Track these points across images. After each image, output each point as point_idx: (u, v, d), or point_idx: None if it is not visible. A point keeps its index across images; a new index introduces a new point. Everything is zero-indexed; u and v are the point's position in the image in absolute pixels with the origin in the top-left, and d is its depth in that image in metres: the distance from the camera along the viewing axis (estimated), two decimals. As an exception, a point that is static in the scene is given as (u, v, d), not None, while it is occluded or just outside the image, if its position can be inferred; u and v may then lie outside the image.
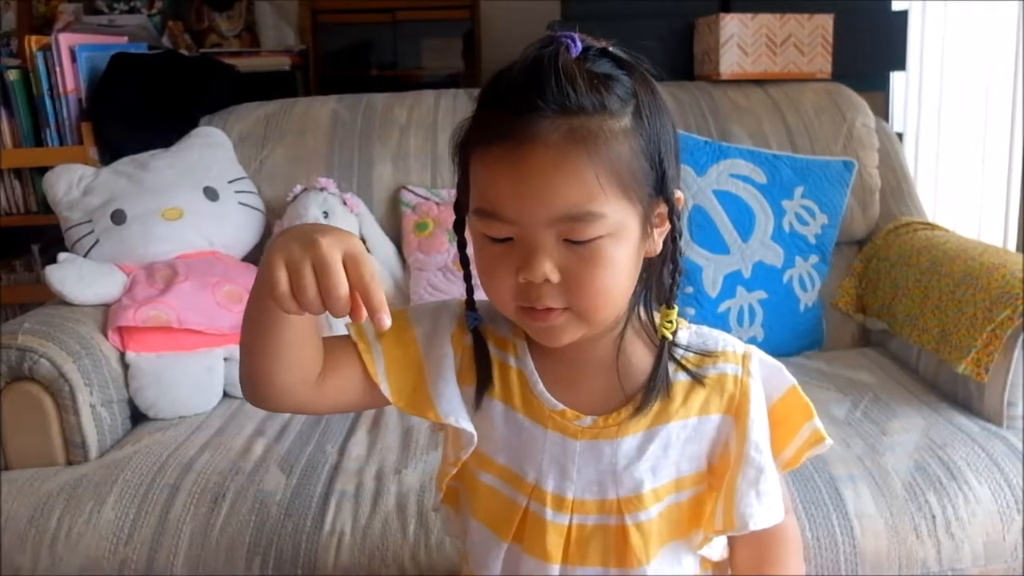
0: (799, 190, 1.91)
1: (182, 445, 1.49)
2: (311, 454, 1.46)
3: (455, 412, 0.88)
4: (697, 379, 0.87)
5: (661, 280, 0.87)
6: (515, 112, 0.76)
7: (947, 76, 2.51)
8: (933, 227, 1.96)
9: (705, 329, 0.91)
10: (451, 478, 0.93)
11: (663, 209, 0.82)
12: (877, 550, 1.27)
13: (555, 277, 0.78)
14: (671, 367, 0.87)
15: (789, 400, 0.91)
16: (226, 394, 1.70)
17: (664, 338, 0.86)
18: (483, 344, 0.90)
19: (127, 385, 1.60)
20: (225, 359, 1.68)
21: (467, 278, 0.91)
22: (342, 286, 0.71)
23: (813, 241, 1.90)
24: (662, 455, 0.87)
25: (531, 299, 0.79)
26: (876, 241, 1.98)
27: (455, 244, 0.92)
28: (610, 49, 0.80)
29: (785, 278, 1.88)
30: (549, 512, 0.87)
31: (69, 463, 1.48)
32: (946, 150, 2.54)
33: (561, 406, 0.87)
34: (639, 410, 0.86)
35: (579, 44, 0.78)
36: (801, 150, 2.00)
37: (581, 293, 0.79)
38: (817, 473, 1.35)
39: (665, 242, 0.85)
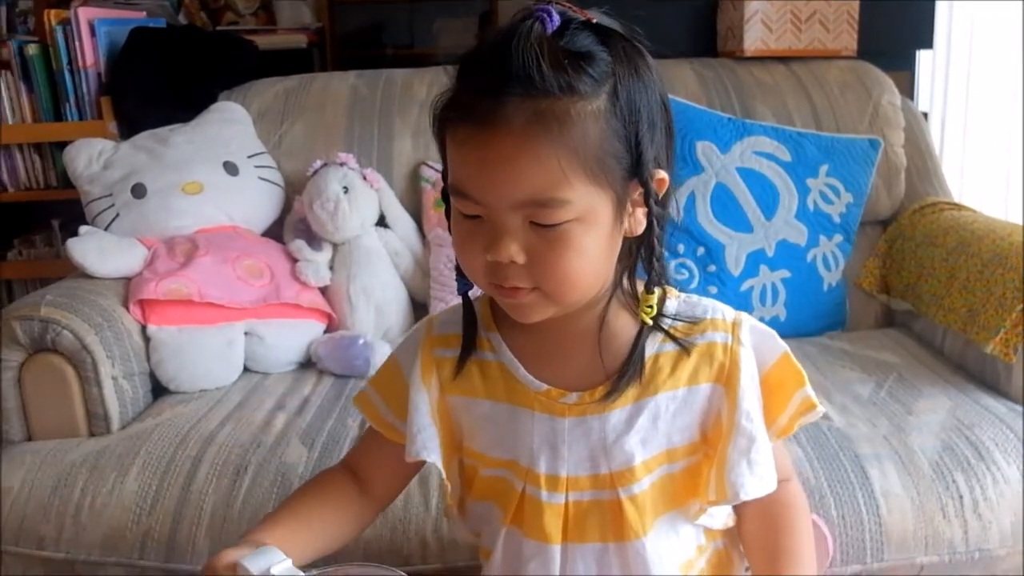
0: (824, 168, 1.89)
1: (203, 418, 1.49)
2: (332, 428, 1.45)
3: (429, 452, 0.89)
4: (685, 349, 0.86)
5: (645, 252, 0.85)
6: (481, 94, 0.74)
7: (975, 55, 2.47)
8: (960, 207, 1.94)
9: (694, 297, 0.90)
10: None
11: (639, 194, 0.80)
12: (903, 529, 1.26)
13: (521, 259, 0.77)
14: (659, 337, 0.86)
15: (782, 367, 0.89)
16: (246, 368, 1.70)
17: (643, 323, 0.85)
18: (471, 309, 0.90)
19: (148, 358, 1.60)
20: (246, 333, 1.68)
21: (453, 240, 0.90)
22: None
23: (837, 220, 1.88)
24: (651, 427, 0.86)
25: (499, 278, 0.79)
26: (901, 221, 1.96)
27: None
28: (595, 21, 0.78)
29: (809, 257, 1.86)
30: (544, 493, 0.87)
31: (92, 435, 1.48)
32: (972, 130, 2.51)
33: (545, 386, 0.87)
34: (610, 394, 0.85)
35: (556, 18, 0.75)
36: (826, 128, 1.97)
37: (547, 276, 0.78)
38: (842, 452, 1.34)
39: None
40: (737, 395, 0.86)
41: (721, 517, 0.93)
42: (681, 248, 1.83)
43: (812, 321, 1.85)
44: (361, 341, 1.70)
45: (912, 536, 1.26)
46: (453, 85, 0.79)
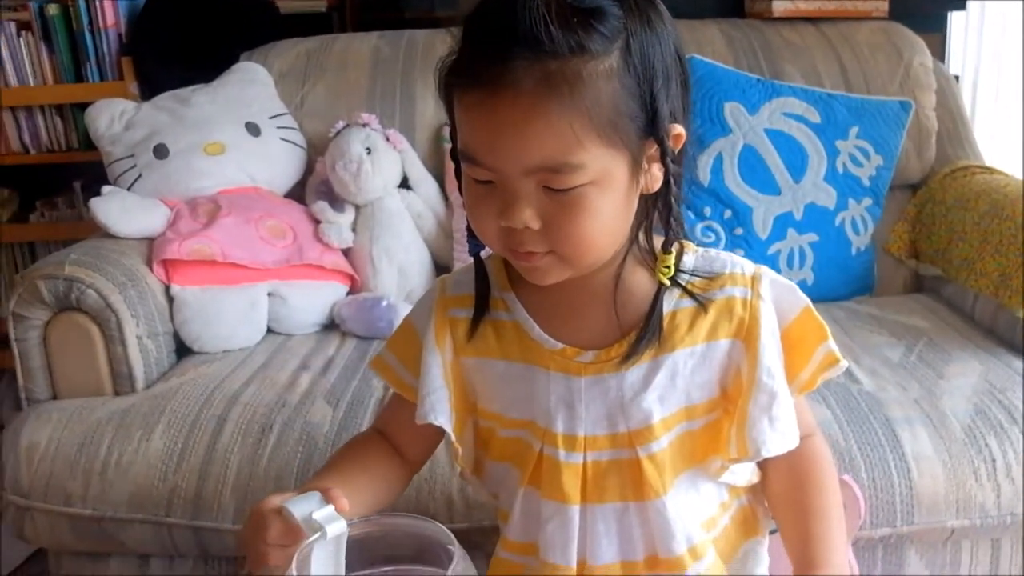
0: (854, 130, 1.86)
1: (228, 378, 1.49)
2: (357, 388, 1.45)
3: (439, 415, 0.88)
4: (703, 304, 0.84)
5: (663, 211, 0.83)
6: (487, 57, 0.72)
7: (1007, 17, 2.42)
8: (992, 171, 1.90)
9: (712, 252, 0.88)
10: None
11: (655, 150, 0.78)
12: (934, 493, 1.25)
13: (535, 224, 0.75)
14: (676, 293, 0.84)
15: (803, 321, 0.87)
16: (269, 330, 1.70)
17: (661, 284, 0.84)
18: (483, 269, 0.89)
19: (172, 318, 1.60)
20: (269, 294, 1.67)
21: (465, 204, 0.88)
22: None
23: (867, 183, 1.85)
24: (669, 384, 0.84)
25: (513, 243, 0.77)
26: (931, 185, 1.92)
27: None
28: None
29: (837, 221, 1.83)
30: (562, 453, 0.86)
31: (116, 394, 1.48)
32: (1004, 94, 2.46)
33: (560, 345, 0.85)
34: (629, 357, 0.83)
35: None
36: (856, 90, 1.93)
37: (563, 240, 0.76)
38: (872, 415, 1.32)
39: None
40: (757, 350, 0.84)
41: (744, 474, 0.91)
42: (708, 211, 1.81)
43: (840, 286, 1.82)
44: (384, 303, 1.69)
45: (943, 499, 1.25)
46: (458, 47, 0.76)
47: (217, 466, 1.30)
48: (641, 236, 0.84)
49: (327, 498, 0.73)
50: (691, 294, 0.85)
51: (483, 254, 0.89)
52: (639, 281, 0.85)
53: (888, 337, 1.60)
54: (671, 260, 0.83)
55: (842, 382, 1.41)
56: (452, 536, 0.69)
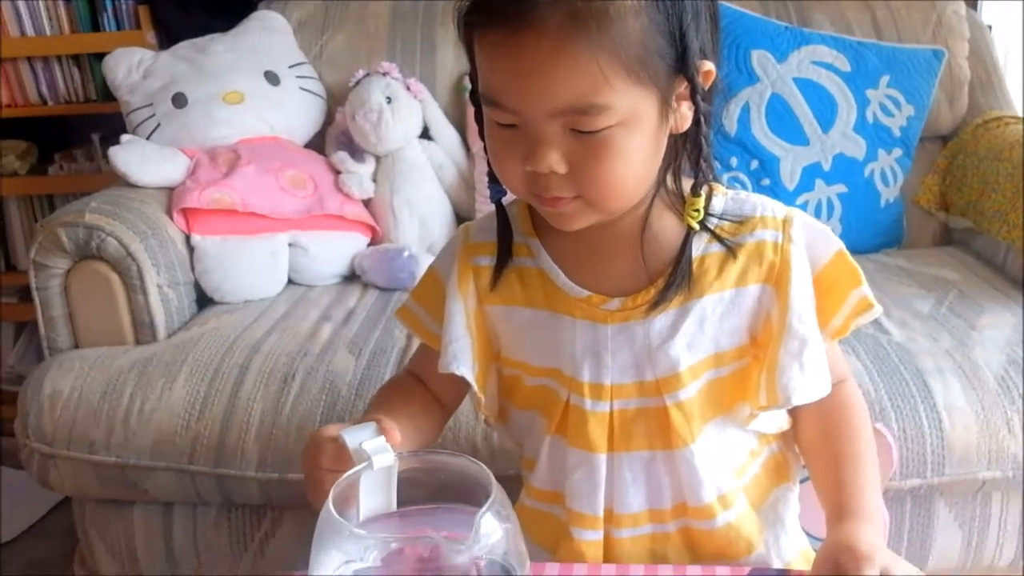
0: (885, 79, 1.81)
1: (249, 328, 1.48)
2: (379, 338, 1.44)
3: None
4: (732, 249, 0.82)
5: (692, 152, 0.80)
6: None
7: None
8: (1025, 121, 1.86)
9: (743, 194, 0.85)
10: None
11: (685, 88, 0.75)
12: (966, 444, 1.23)
13: (561, 168, 0.73)
14: (704, 237, 0.82)
15: (836, 265, 0.84)
16: (290, 281, 1.69)
17: (690, 229, 0.81)
18: (504, 216, 0.86)
19: (192, 268, 1.59)
20: (289, 245, 1.66)
21: (487, 149, 0.84)
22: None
23: (897, 134, 1.81)
24: (697, 331, 0.82)
25: (539, 188, 0.75)
26: (963, 136, 1.88)
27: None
28: None
29: (866, 172, 1.80)
30: (588, 402, 0.84)
31: (138, 343, 1.47)
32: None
33: (586, 292, 0.83)
34: (657, 304, 0.81)
35: None
36: (887, 38, 1.89)
37: (590, 184, 0.74)
38: (903, 366, 1.30)
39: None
40: (788, 296, 0.81)
41: (774, 421, 0.89)
42: (734, 161, 1.77)
43: (868, 238, 1.79)
44: (406, 254, 1.67)
45: (975, 450, 1.23)
46: None
47: (240, 414, 1.30)
48: (669, 179, 0.82)
49: (381, 430, 0.72)
50: (720, 239, 0.82)
51: (504, 201, 0.87)
52: (667, 226, 0.83)
53: (918, 289, 1.58)
54: (701, 203, 0.80)
55: (871, 333, 1.39)
56: (491, 475, 0.68)
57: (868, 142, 1.79)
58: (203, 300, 1.62)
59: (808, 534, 0.95)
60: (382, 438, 0.72)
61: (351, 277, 1.73)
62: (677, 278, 0.81)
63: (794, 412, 0.89)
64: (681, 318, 0.82)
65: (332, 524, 0.66)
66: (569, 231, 0.80)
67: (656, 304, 0.81)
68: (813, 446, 0.88)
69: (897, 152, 1.82)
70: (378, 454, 0.70)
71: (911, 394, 1.25)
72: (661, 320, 0.82)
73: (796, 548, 0.92)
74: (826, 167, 1.77)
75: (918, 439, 1.22)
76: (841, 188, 1.78)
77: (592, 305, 0.83)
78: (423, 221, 1.78)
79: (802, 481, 0.95)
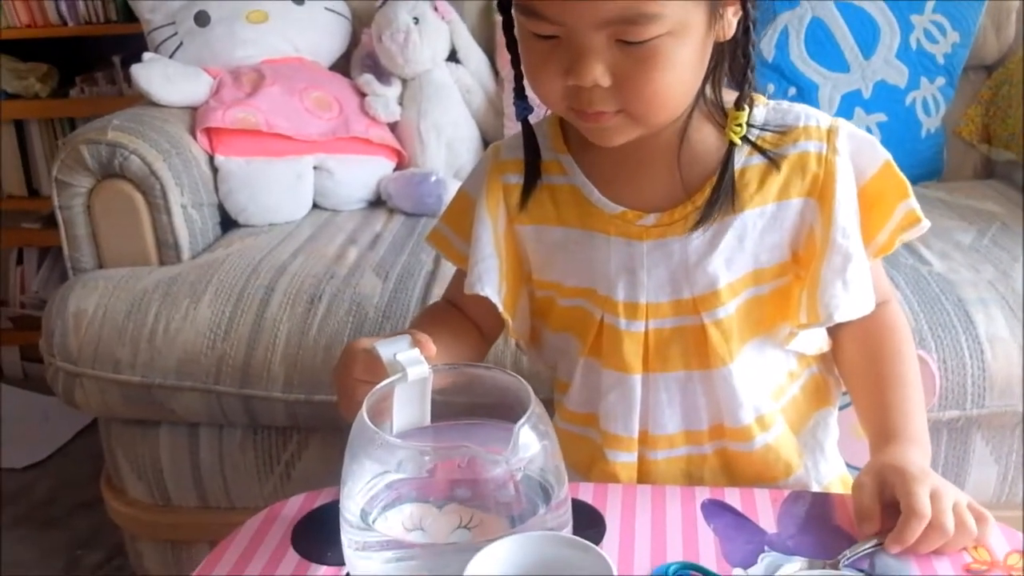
0: (930, 4, 1.74)
1: (274, 250, 1.46)
2: (406, 262, 1.41)
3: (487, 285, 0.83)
4: (774, 161, 0.78)
5: (736, 62, 0.76)
6: None
7: None
8: (1075, 50, 1.79)
9: (785, 104, 0.81)
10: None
11: None
12: (1008, 375, 1.20)
13: (606, 81, 0.70)
14: (745, 149, 0.78)
15: (883, 177, 0.81)
16: (315, 205, 1.66)
17: (732, 143, 0.77)
18: (532, 134, 0.83)
19: (217, 189, 1.56)
20: (315, 167, 1.63)
21: (515, 63, 0.80)
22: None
23: (941, 61, 1.75)
24: (737, 247, 0.79)
25: (581, 103, 0.72)
26: (1009, 66, 1.82)
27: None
28: None
29: (908, 101, 1.74)
30: (623, 322, 0.81)
31: (162, 263, 1.46)
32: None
33: (621, 208, 0.80)
34: (701, 222, 0.78)
35: None
36: (933, -39, 1.81)
37: (636, 97, 0.70)
38: (944, 296, 1.26)
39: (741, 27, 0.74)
40: (832, 209, 0.78)
41: (814, 342, 0.86)
42: (771, 88, 1.72)
43: (907, 169, 1.68)
44: (433, 178, 1.64)
45: (1018, 382, 1.20)
46: None
47: (266, 335, 1.28)
48: (708, 90, 0.78)
49: (415, 343, 0.70)
50: (761, 150, 0.79)
51: (532, 118, 0.84)
52: (705, 138, 0.80)
53: (959, 221, 1.53)
54: (744, 117, 0.77)
55: (911, 264, 1.35)
56: (530, 389, 0.66)
57: (911, 70, 1.73)
58: (227, 224, 1.60)
59: (847, 464, 0.93)
60: (417, 350, 0.70)
61: (377, 202, 1.70)
62: (720, 195, 0.77)
63: (835, 334, 0.87)
64: (720, 233, 0.79)
65: (366, 433, 0.64)
66: (609, 147, 0.77)
67: (698, 222, 0.78)
68: (856, 369, 0.86)
69: (940, 81, 1.76)
70: (413, 366, 0.69)
71: (952, 324, 1.22)
72: (699, 235, 0.79)
73: (835, 473, 0.90)
74: (866, 95, 1.72)
75: (959, 370, 1.19)
76: (881, 117, 1.73)
77: (627, 221, 0.80)
78: (450, 145, 1.74)
79: (841, 408, 0.92)
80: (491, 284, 0.83)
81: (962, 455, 1.28)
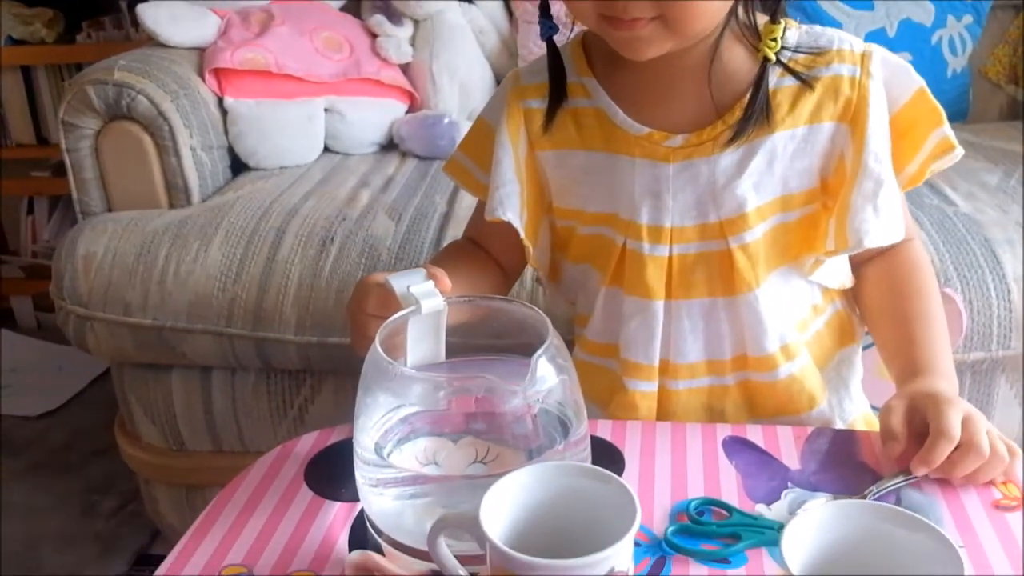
0: (958, -62, 1.69)
1: (285, 192, 1.44)
2: (419, 204, 1.39)
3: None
4: (807, 83, 0.76)
5: None
6: None
7: None
8: (1108, -14, 1.73)
9: (818, 28, 0.79)
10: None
11: None
12: (1035, 317, 1.17)
13: None
14: (776, 71, 0.76)
15: (917, 104, 0.78)
16: (327, 149, 1.64)
17: (766, 59, 0.74)
18: (557, 55, 0.81)
19: (226, 132, 1.53)
20: (326, 110, 1.60)
21: None
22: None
23: (969, -2, 1.70)
24: (766, 170, 0.77)
25: (616, 9, 0.69)
26: (1038, 3, 1.77)
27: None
28: None
29: (934, 39, 1.70)
30: (646, 246, 0.79)
31: (172, 207, 1.44)
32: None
33: (647, 129, 0.78)
34: (734, 139, 0.76)
35: None
36: None
37: (674, 2, 0.68)
38: (970, 236, 1.23)
39: None
40: (865, 134, 0.76)
41: (838, 275, 0.84)
42: (793, 26, 1.67)
43: None
44: (446, 120, 1.61)
45: (1045, 323, 1.17)
46: None
47: (277, 277, 1.26)
48: (740, 9, 0.75)
49: (430, 276, 0.68)
50: (794, 72, 0.76)
51: (556, 39, 0.81)
52: (737, 58, 0.77)
53: (984, 162, 1.50)
54: (779, 32, 0.75)
55: (936, 204, 1.32)
56: (548, 321, 0.64)
57: (937, 7, 1.69)
58: (237, 168, 1.57)
59: (870, 406, 0.91)
60: (431, 283, 0.68)
61: (389, 146, 1.67)
62: (755, 110, 0.75)
63: (859, 271, 0.85)
64: (749, 156, 0.77)
65: (379, 365, 0.62)
66: (627, 64, 0.74)
67: (732, 139, 0.76)
68: (879, 306, 0.84)
69: (967, 19, 1.71)
70: (426, 298, 0.67)
71: (979, 265, 1.19)
72: (727, 158, 0.77)
73: (859, 411, 0.88)
74: (891, 33, 1.67)
75: (985, 311, 1.17)
76: (906, 56, 1.68)
77: (653, 142, 0.78)
78: (463, 87, 1.71)
79: (864, 348, 0.90)
80: (512, 209, 0.81)
81: (986, 398, 1.26)
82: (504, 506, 0.53)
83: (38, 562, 1.52)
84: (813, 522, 0.51)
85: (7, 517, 1.62)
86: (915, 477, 0.67)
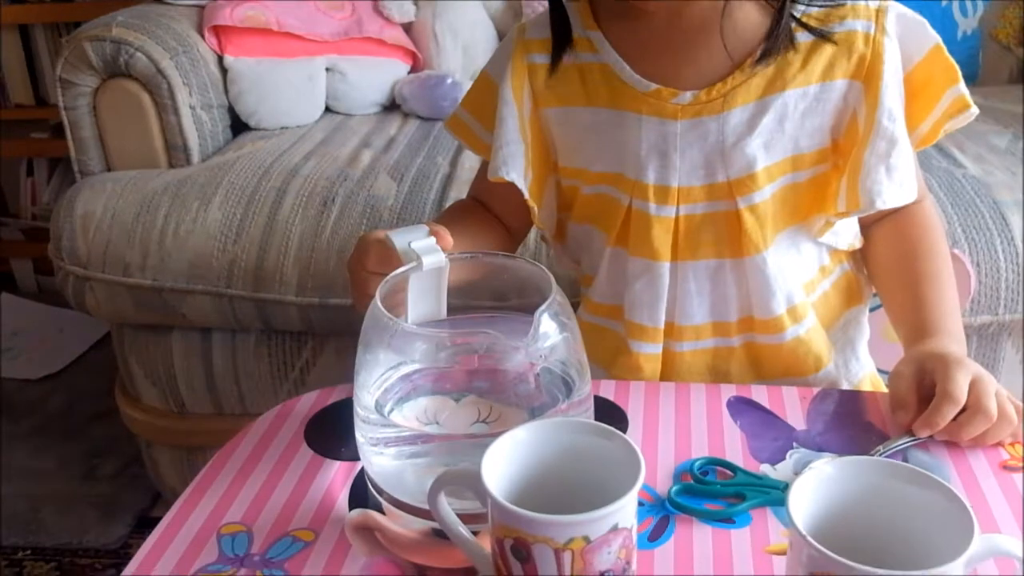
0: None
1: (286, 152, 1.42)
2: (421, 164, 1.37)
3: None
4: (822, 37, 0.74)
5: None
6: None
7: None
8: (1123, -54, 1.70)
9: None
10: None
11: None
12: (1044, 280, 1.16)
13: None
14: (790, 26, 0.74)
15: (932, 62, 0.76)
16: (328, 109, 1.62)
17: (784, 4, 0.73)
18: (560, 5, 0.79)
19: (226, 91, 1.51)
20: (327, 69, 1.58)
21: None
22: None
23: (981, -42, 1.67)
24: (776, 128, 0.75)
25: None
26: (1052, -37, 1.73)
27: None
28: None
29: (944, 0, 1.67)
30: (653, 206, 0.78)
31: (171, 166, 1.42)
32: None
33: (654, 86, 0.76)
34: (760, 60, 0.73)
35: None
36: None
37: None
38: (979, 198, 1.22)
39: None
40: (879, 92, 0.74)
41: (847, 236, 0.83)
42: (801, -14, 1.65)
43: None
44: (449, 81, 1.59)
45: (1054, 287, 1.16)
46: None
47: (278, 237, 1.25)
48: None
49: (432, 232, 0.67)
50: (807, 26, 0.74)
51: None
52: (748, 15, 0.75)
53: (993, 125, 1.48)
54: None
55: (945, 166, 1.30)
56: (551, 277, 0.63)
57: (948, -34, 1.66)
58: (237, 128, 1.55)
59: (877, 369, 0.90)
60: (433, 239, 0.67)
61: (391, 107, 1.65)
62: (777, 42, 0.73)
63: (868, 232, 0.83)
64: (759, 113, 0.75)
65: (379, 321, 0.61)
66: (635, 19, 0.73)
67: (762, 57, 0.74)
68: (889, 267, 0.82)
69: (979, -21, 1.68)
70: (428, 254, 0.65)
71: (987, 227, 1.18)
72: (737, 115, 0.75)
73: (865, 372, 0.87)
74: (901, -7, 1.64)
75: (993, 274, 1.15)
76: (916, 17, 1.65)
77: (661, 99, 0.76)
78: (467, 48, 1.68)
79: (871, 310, 0.89)
80: (516, 169, 0.79)
81: (991, 363, 1.25)
82: (506, 462, 0.52)
83: (39, 525, 1.53)
84: (821, 478, 0.50)
85: (8, 480, 1.62)
86: (922, 439, 0.66)
